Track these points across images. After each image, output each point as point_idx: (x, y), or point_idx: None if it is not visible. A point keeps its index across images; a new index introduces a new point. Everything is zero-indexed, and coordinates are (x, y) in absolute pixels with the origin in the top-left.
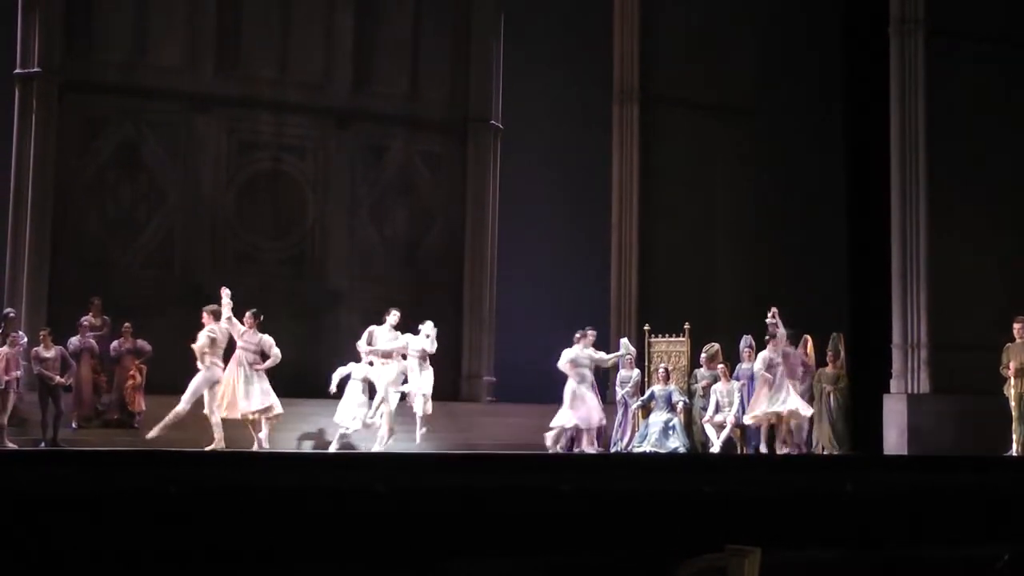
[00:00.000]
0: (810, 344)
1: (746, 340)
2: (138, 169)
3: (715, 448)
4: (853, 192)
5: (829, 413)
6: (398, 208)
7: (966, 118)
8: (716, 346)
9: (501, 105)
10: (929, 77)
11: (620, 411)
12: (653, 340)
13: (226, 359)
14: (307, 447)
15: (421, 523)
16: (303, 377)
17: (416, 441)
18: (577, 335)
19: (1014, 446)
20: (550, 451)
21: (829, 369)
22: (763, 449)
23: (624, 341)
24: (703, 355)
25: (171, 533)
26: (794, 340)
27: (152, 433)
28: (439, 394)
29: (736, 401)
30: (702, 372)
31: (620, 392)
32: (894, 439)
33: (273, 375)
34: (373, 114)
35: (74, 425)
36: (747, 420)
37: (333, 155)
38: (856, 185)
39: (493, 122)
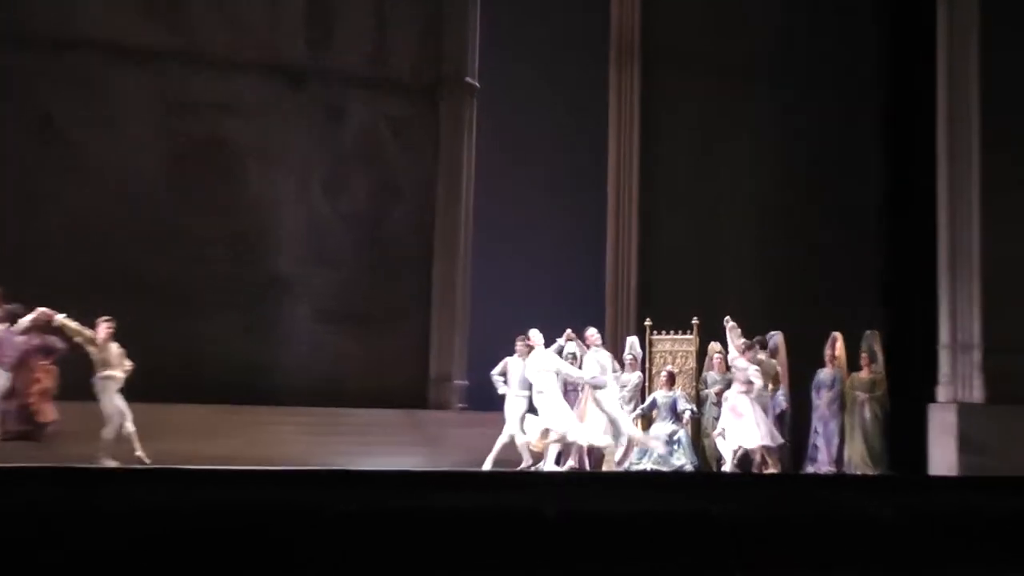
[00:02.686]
0: (839, 344)
1: (774, 340)
2: (50, 135)
3: (728, 466)
4: (893, 169)
5: (863, 426)
6: (358, 180)
7: None
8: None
9: (479, 63)
10: (984, 39)
11: None
12: (655, 338)
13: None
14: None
15: (380, 551)
16: (244, 379)
17: None
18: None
19: None
20: None
21: (863, 374)
22: None
23: (633, 340)
24: (715, 356)
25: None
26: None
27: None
28: (402, 399)
29: None
30: (713, 376)
31: (617, 398)
32: (941, 457)
33: (211, 378)
34: (330, 72)
35: None
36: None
37: (282, 119)
38: (897, 162)
39: (469, 80)
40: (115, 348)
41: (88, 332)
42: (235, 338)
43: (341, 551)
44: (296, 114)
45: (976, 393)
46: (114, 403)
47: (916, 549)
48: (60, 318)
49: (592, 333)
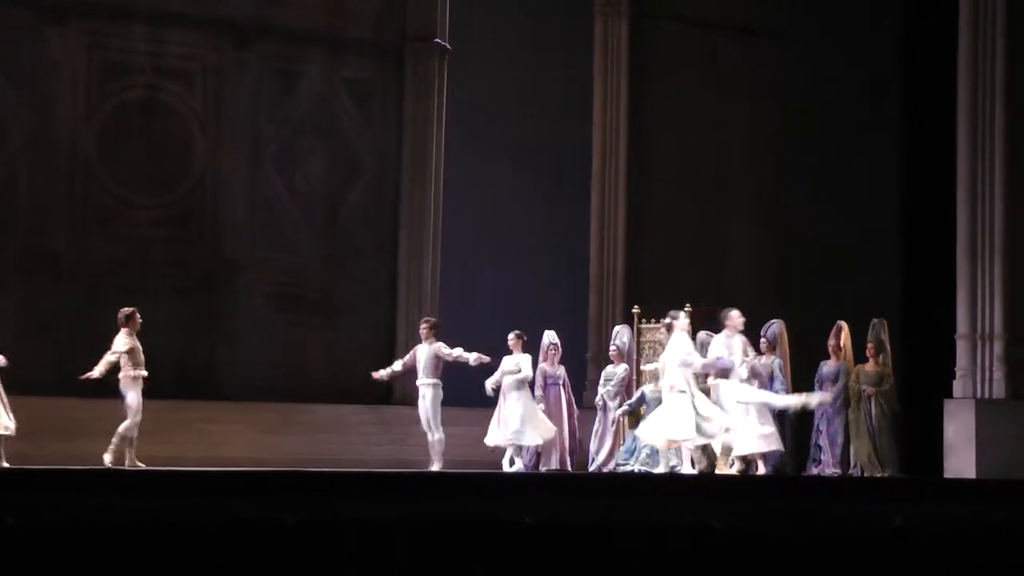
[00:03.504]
0: (845, 333)
1: (772, 329)
2: None
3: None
4: (909, 141)
5: (869, 423)
6: (315, 153)
7: None
8: None
9: (448, 20)
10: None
11: (599, 418)
12: (644, 327)
13: None
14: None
15: (342, 565)
16: (192, 373)
17: None
18: None
19: None
20: None
21: (869, 367)
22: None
23: (619, 329)
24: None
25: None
26: None
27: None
28: (365, 395)
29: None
30: None
31: (601, 393)
32: (957, 458)
33: (155, 372)
34: (283, 29)
35: None
36: None
37: (229, 82)
38: (913, 132)
39: (438, 41)
40: (137, 343)
41: (121, 349)
42: (181, 328)
43: (298, 566)
44: (243, 77)
45: (997, 388)
46: (139, 399)
47: (929, 562)
48: (97, 374)
49: (734, 315)
